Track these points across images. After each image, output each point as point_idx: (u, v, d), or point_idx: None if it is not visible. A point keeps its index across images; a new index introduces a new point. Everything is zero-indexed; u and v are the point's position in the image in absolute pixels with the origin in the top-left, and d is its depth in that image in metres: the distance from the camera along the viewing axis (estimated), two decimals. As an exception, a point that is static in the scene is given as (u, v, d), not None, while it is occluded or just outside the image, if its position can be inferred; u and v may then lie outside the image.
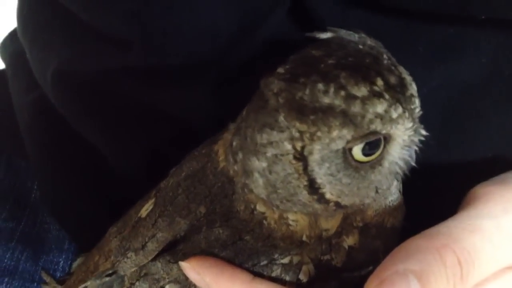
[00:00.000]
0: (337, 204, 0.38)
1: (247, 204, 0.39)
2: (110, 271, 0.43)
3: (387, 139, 0.37)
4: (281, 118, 0.36)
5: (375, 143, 0.36)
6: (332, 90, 0.34)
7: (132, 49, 0.43)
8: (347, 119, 0.34)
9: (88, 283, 0.44)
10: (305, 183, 0.37)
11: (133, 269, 0.42)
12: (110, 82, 0.47)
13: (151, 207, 0.44)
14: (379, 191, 0.39)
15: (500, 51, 0.43)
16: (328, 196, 0.38)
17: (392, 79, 0.35)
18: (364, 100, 0.34)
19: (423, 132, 0.38)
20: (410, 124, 0.36)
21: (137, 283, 0.42)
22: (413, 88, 0.36)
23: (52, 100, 0.50)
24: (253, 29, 0.43)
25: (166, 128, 0.48)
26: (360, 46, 0.36)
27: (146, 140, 0.48)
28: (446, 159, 0.45)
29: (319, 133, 0.35)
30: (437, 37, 0.43)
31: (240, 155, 0.38)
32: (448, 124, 0.45)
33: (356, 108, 0.34)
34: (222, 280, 0.37)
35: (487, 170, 0.41)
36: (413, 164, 0.39)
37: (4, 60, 0.62)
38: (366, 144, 0.36)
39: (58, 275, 0.52)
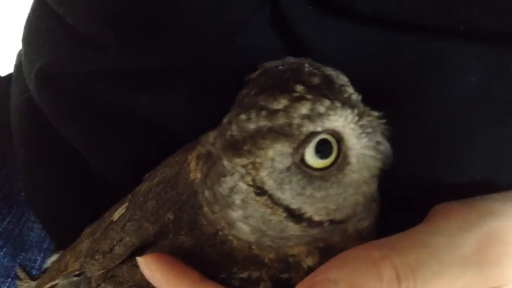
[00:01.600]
0: (332, 222, 0.37)
1: (213, 224, 0.38)
2: (78, 272, 0.44)
3: (336, 135, 0.35)
4: (225, 162, 0.36)
5: (324, 144, 0.35)
6: (253, 114, 0.34)
7: (110, 53, 0.44)
8: (276, 134, 0.34)
9: (57, 281, 0.45)
10: (284, 214, 0.36)
11: (100, 272, 0.43)
12: (89, 85, 0.48)
13: (123, 211, 0.44)
14: (367, 194, 0.37)
15: (491, 71, 0.41)
16: (316, 218, 0.36)
17: (315, 80, 0.35)
18: (286, 109, 0.34)
19: (374, 113, 0.36)
20: (348, 112, 0.35)
21: (102, 284, 0.43)
22: (341, 79, 0.36)
23: (37, 101, 0.51)
24: (233, 36, 0.43)
25: (146, 134, 0.48)
26: (280, 67, 0.36)
27: (126, 145, 0.49)
28: (431, 179, 0.44)
29: (258, 159, 0.35)
30: (421, 51, 0.42)
31: (217, 207, 0.38)
32: (434, 142, 0.44)
33: (280, 120, 0.34)
34: (171, 277, 0.37)
35: (473, 194, 0.40)
36: (388, 149, 0.37)
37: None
38: (316, 149, 0.35)
39: (34, 272, 0.52)
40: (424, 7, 0.39)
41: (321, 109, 0.34)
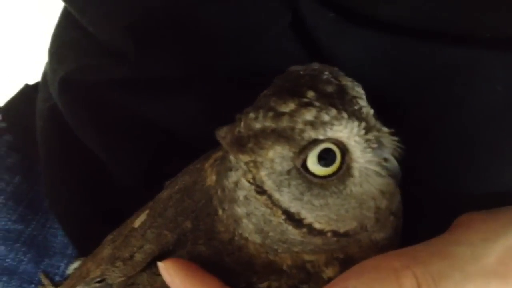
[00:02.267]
0: (335, 233, 0.36)
1: (228, 229, 0.38)
2: (99, 279, 0.44)
3: (341, 146, 0.35)
4: (231, 157, 0.36)
5: (328, 153, 0.35)
6: (261, 114, 0.35)
7: (128, 61, 0.45)
8: (278, 136, 0.34)
9: (77, 288, 0.45)
10: (283, 216, 0.36)
11: (120, 279, 0.43)
12: (109, 93, 0.49)
13: (144, 218, 0.44)
14: (380, 210, 0.37)
15: None
16: (317, 225, 0.36)
17: (329, 88, 0.35)
18: (292, 113, 0.34)
19: (384, 129, 0.36)
20: (355, 124, 0.34)
21: None
22: (355, 91, 0.35)
23: (59, 109, 0.52)
24: (252, 42, 0.43)
25: (164, 142, 0.49)
26: (302, 72, 0.36)
27: (145, 153, 0.49)
28: (455, 189, 0.43)
29: (259, 159, 0.35)
30: (444, 59, 0.41)
31: (226, 204, 0.38)
32: (458, 153, 0.43)
33: (284, 123, 0.34)
34: (190, 283, 0.37)
35: (498, 205, 0.39)
36: (396, 168, 0.36)
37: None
38: (319, 156, 0.35)
39: (58, 279, 0.53)
40: (448, 14, 0.39)
41: (326, 117, 0.34)
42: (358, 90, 0.36)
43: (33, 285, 0.52)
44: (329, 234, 0.36)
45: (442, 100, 0.42)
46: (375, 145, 0.36)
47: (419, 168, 0.40)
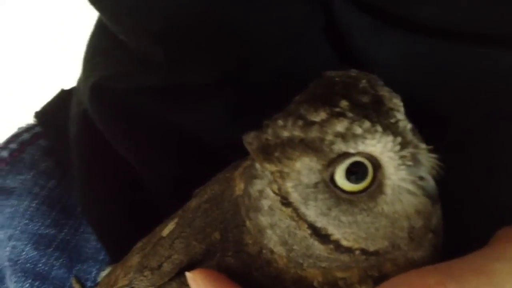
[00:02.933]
0: (364, 252, 0.35)
1: (256, 241, 0.37)
2: (127, 287, 0.44)
3: (373, 160, 0.33)
4: (257, 165, 0.35)
5: (358, 167, 0.33)
6: (290, 122, 0.33)
7: (158, 69, 0.45)
8: (307, 147, 0.32)
9: (107, 296, 0.45)
10: (308, 231, 0.34)
11: (148, 288, 0.43)
12: (139, 100, 0.49)
13: (172, 227, 0.44)
14: (414, 230, 0.35)
15: None
16: (344, 243, 0.34)
17: (364, 99, 0.33)
18: (322, 123, 0.32)
19: (422, 145, 0.33)
20: (390, 138, 0.32)
21: None
22: (393, 103, 0.33)
23: (90, 114, 0.52)
24: (284, 48, 0.42)
25: (192, 150, 0.48)
26: (337, 78, 0.35)
27: (173, 160, 0.50)
28: (496, 204, 0.41)
29: (286, 169, 0.33)
30: (487, 62, 0.39)
31: (252, 214, 0.37)
32: (501, 166, 0.41)
33: (313, 133, 0.32)
34: None
35: None
36: (432, 187, 0.34)
37: None
38: (349, 170, 0.33)
39: (89, 284, 0.53)
40: (494, 17, 0.37)
41: (358, 130, 0.32)
42: (396, 102, 0.33)
43: (64, 290, 0.53)
44: (357, 252, 0.35)
45: (487, 106, 0.40)
46: (410, 162, 0.34)
47: (459, 183, 0.38)
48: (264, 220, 0.36)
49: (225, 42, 0.44)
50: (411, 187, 0.34)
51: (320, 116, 0.32)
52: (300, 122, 0.33)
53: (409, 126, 0.33)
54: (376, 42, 0.41)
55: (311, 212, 0.34)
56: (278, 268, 0.37)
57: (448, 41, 0.39)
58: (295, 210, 0.34)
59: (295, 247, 0.35)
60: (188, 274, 0.38)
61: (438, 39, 0.39)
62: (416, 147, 0.34)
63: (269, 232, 0.36)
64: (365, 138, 0.32)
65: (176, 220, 0.44)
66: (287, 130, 0.33)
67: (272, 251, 0.36)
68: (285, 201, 0.34)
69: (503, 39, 0.38)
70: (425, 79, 0.41)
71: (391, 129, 0.32)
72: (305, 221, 0.34)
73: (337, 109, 0.32)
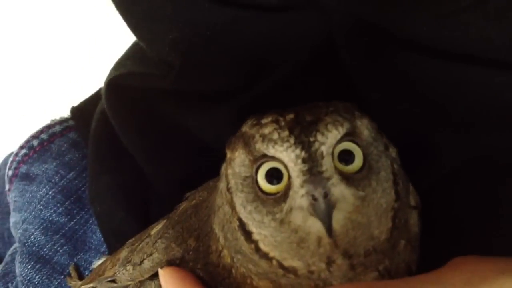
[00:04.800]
0: (280, 265, 0.35)
1: (217, 245, 0.39)
2: (110, 279, 0.46)
3: (288, 170, 0.34)
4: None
5: (279, 173, 0.35)
6: (250, 122, 0.37)
7: (172, 73, 0.47)
8: (244, 141, 0.36)
9: (92, 284, 0.47)
10: (237, 222, 0.36)
11: (128, 282, 0.44)
12: (151, 101, 0.51)
13: (159, 227, 0.46)
14: (322, 256, 0.34)
15: None
16: (262, 246, 0.35)
17: (308, 118, 0.35)
18: (262, 125, 0.36)
19: (333, 174, 0.33)
20: (297, 151, 0.33)
21: None
22: (325, 127, 0.34)
23: (106, 109, 0.55)
24: (289, 65, 0.44)
25: (200, 153, 0.50)
26: (321, 103, 0.37)
27: (181, 163, 0.51)
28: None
29: (231, 156, 0.37)
30: (496, 88, 0.39)
31: (214, 214, 0.40)
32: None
33: (252, 131, 0.36)
34: None
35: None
36: (323, 212, 0.33)
37: None
38: (270, 173, 0.35)
39: (87, 273, 0.55)
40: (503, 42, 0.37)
41: (275, 136, 0.35)
42: (329, 128, 0.34)
43: (62, 276, 0.55)
44: (274, 262, 0.35)
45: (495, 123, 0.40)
46: (309, 181, 0.33)
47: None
48: (218, 200, 0.39)
49: (237, 56, 0.45)
50: (304, 203, 0.34)
51: (266, 119, 0.36)
52: (254, 121, 0.37)
53: (326, 150, 0.34)
54: (374, 63, 0.41)
55: (237, 202, 0.36)
56: (236, 279, 0.38)
57: (449, 62, 0.39)
58: (232, 198, 0.37)
59: (228, 235, 0.37)
60: (159, 271, 0.41)
61: (443, 61, 0.39)
62: (322, 171, 0.33)
63: (217, 214, 0.38)
64: (276, 143, 0.35)
65: (164, 221, 0.46)
66: (246, 126, 0.37)
67: (223, 247, 0.38)
68: (228, 187, 0.37)
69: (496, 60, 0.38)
70: (421, 97, 0.41)
71: (304, 145, 0.34)
72: (235, 211, 0.36)
73: (280, 118, 0.36)
